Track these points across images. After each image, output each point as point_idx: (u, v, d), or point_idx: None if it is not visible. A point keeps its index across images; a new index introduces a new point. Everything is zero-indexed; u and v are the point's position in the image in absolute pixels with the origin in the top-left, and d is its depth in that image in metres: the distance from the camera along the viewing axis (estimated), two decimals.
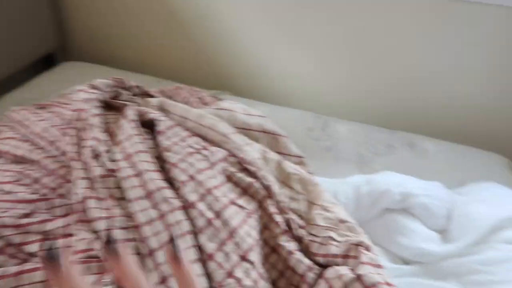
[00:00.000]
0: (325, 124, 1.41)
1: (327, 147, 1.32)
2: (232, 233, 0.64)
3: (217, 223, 0.64)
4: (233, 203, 0.70)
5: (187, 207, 0.64)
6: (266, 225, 0.72)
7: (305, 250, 0.70)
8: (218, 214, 0.65)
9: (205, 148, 0.74)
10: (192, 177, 0.67)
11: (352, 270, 0.62)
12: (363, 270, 0.60)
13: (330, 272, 0.63)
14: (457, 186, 1.17)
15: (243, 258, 0.63)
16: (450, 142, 1.39)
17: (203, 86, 1.36)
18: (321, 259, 0.67)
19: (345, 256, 0.65)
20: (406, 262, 0.99)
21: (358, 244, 0.66)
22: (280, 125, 1.14)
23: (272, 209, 0.72)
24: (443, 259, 0.96)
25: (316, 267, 0.66)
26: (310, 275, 0.64)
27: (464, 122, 1.50)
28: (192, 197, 0.65)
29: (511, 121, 1.45)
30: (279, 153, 0.91)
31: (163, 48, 1.73)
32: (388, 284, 0.59)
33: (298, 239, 0.72)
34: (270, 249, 0.70)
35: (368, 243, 0.67)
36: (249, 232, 0.67)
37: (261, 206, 0.73)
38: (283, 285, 0.67)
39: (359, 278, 0.59)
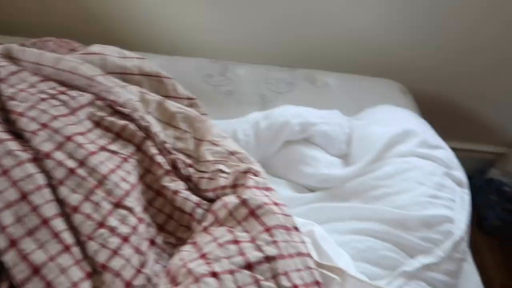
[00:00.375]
0: (224, 69, 1.34)
1: (228, 91, 1.27)
2: (101, 181, 0.57)
3: (81, 172, 0.56)
4: (103, 148, 0.62)
5: (39, 158, 0.55)
6: (147, 169, 0.65)
7: (195, 188, 0.65)
8: (82, 162, 0.57)
9: (63, 93, 0.64)
10: (45, 125, 0.58)
11: (238, 197, 0.58)
12: (248, 194, 0.57)
13: (216, 204, 0.59)
14: (356, 114, 1.20)
15: (118, 205, 0.56)
16: (348, 74, 1.41)
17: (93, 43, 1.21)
18: (211, 194, 0.63)
19: (234, 186, 0.62)
20: (311, 190, 0.99)
21: (246, 171, 0.62)
22: (177, 75, 1.06)
23: (153, 150, 0.65)
24: (346, 182, 0.98)
25: (205, 202, 0.62)
26: (199, 211, 0.60)
27: (360, 54, 1.53)
28: (46, 147, 0.56)
29: (402, 49, 1.50)
30: (167, 96, 0.83)
31: (44, 4, 1.51)
32: (276, 203, 0.57)
33: (187, 178, 0.66)
34: (155, 192, 0.64)
35: (258, 169, 0.64)
36: (124, 177, 0.60)
37: (140, 149, 0.66)
38: (172, 227, 0.63)
39: (243, 202, 0.55)
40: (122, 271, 0.51)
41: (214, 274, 0.47)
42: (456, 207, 0.92)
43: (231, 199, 0.58)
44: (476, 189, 1.75)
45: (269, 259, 0.50)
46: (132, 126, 0.66)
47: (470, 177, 1.01)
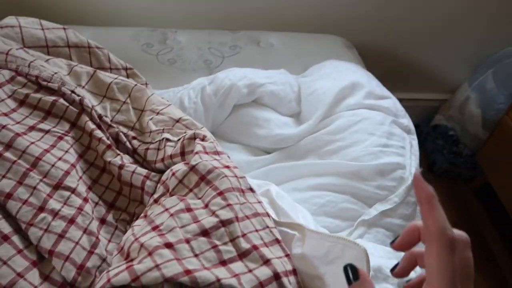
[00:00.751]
0: (164, 36, 1.27)
1: (171, 60, 1.21)
2: (35, 163, 0.52)
3: (9, 155, 0.50)
4: (33, 128, 0.56)
5: None
6: (87, 145, 0.60)
7: (143, 161, 0.61)
8: (9, 145, 0.51)
9: None
10: None
11: (187, 163, 0.55)
12: (196, 159, 0.54)
13: (165, 174, 0.55)
14: (303, 71, 1.18)
15: (57, 187, 0.52)
16: (292, 32, 1.39)
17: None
18: (159, 165, 0.59)
19: (182, 154, 0.58)
20: (267, 152, 0.98)
21: (193, 138, 0.59)
22: (113, 47, 0.98)
23: (91, 125, 0.60)
24: (300, 140, 0.97)
25: (155, 174, 0.58)
26: (149, 184, 0.56)
27: (301, 11, 1.50)
28: None
29: (343, 3, 1.49)
30: (100, 68, 0.76)
31: None
32: (226, 166, 0.54)
33: (133, 151, 0.62)
34: (99, 170, 0.60)
35: (205, 133, 0.60)
36: (61, 156, 0.55)
37: (75, 125, 0.60)
38: (123, 204, 0.59)
39: (192, 168, 0.52)
40: (72, 255, 0.47)
41: (169, 245, 0.45)
42: (406, 154, 0.94)
43: (179, 167, 0.55)
44: (424, 135, 1.83)
45: (224, 223, 0.48)
46: (62, 101, 0.60)
47: (417, 125, 1.04)
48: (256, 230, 0.50)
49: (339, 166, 0.88)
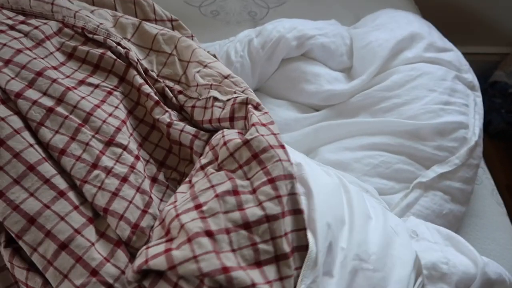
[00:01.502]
0: None
1: (214, 11, 1.15)
2: (87, 118, 0.50)
3: (61, 110, 0.49)
4: (83, 82, 0.54)
5: (9, 99, 0.47)
6: (136, 101, 0.58)
7: (190, 118, 0.59)
8: (60, 100, 0.50)
9: (23, 22, 0.55)
10: (8, 61, 0.49)
11: (240, 133, 0.51)
12: (252, 133, 0.49)
13: (216, 138, 0.52)
14: (355, 23, 1.10)
15: (109, 143, 0.50)
16: None
17: None
18: (207, 125, 0.56)
19: (231, 119, 0.54)
20: (316, 109, 0.93)
21: (245, 103, 0.55)
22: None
23: (139, 80, 0.58)
24: (352, 96, 0.91)
25: (204, 132, 0.56)
26: (198, 144, 0.54)
27: None
28: (15, 85, 0.48)
29: None
30: (146, 20, 0.73)
31: None
32: (282, 146, 0.49)
33: (179, 108, 0.59)
34: (149, 126, 0.58)
35: (257, 100, 0.56)
36: (111, 112, 0.53)
37: (124, 79, 0.58)
38: (173, 162, 0.57)
39: (246, 143, 0.48)
40: (126, 214, 0.46)
41: (210, 233, 0.41)
42: (469, 112, 0.87)
43: (232, 136, 0.51)
44: (481, 93, 1.71)
45: (269, 218, 0.43)
46: (110, 54, 0.57)
47: None
48: (292, 231, 0.46)
49: (394, 125, 0.82)
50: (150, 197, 0.49)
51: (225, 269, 0.38)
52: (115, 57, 0.58)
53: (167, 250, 0.40)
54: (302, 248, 0.46)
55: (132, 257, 0.46)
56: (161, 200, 0.52)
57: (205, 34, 1.03)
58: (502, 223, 0.84)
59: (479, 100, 0.91)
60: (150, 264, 0.39)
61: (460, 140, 0.81)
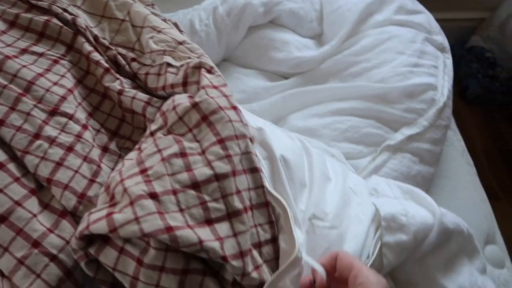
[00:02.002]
0: None
1: None
2: (28, 87, 0.48)
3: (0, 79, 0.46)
4: (25, 51, 0.52)
5: None
6: (87, 69, 0.55)
7: (144, 86, 0.57)
8: None
9: None
10: None
11: (191, 97, 0.49)
12: (202, 95, 0.48)
13: (166, 104, 0.50)
14: None
15: (54, 113, 0.48)
16: None
17: None
18: (161, 92, 0.54)
19: (184, 84, 0.52)
20: (285, 76, 0.91)
21: (198, 67, 0.53)
22: None
23: (88, 47, 0.55)
24: (321, 63, 0.89)
25: (157, 99, 0.54)
26: (150, 110, 0.52)
27: None
28: None
29: None
30: None
31: None
32: (234, 107, 0.48)
33: (133, 75, 0.57)
34: (100, 96, 0.55)
35: (211, 64, 0.54)
36: (57, 81, 0.51)
37: (72, 47, 0.55)
38: (127, 131, 0.55)
39: (195, 106, 0.47)
40: (71, 183, 0.45)
41: (154, 195, 0.40)
42: (439, 74, 0.86)
43: (181, 100, 0.49)
44: (458, 59, 1.69)
45: (219, 177, 0.42)
46: (56, 21, 0.54)
47: (450, 47, 0.93)
48: (249, 189, 0.45)
49: (363, 89, 0.81)
50: (99, 166, 0.47)
51: (169, 229, 0.37)
52: (61, 24, 0.55)
53: (109, 214, 0.39)
54: (262, 205, 0.46)
55: None
56: (112, 169, 0.51)
57: (166, 3, 0.99)
58: (472, 182, 0.85)
59: (449, 62, 0.90)
60: (91, 228, 0.38)
61: (428, 102, 0.80)
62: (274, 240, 0.45)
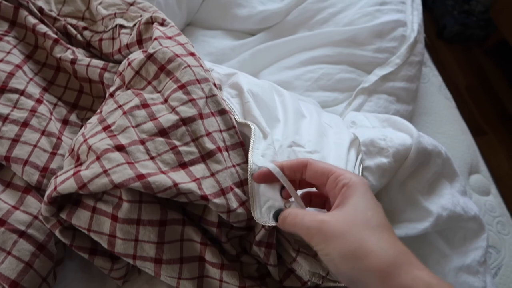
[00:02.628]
0: None
1: None
2: None
3: None
4: None
5: None
6: (35, 44, 0.53)
7: (99, 54, 0.54)
8: None
9: None
10: None
11: (144, 51, 0.47)
12: (155, 46, 0.46)
13: (122, 64, 0.49)
14: None
15: (2, 90, 0.46)
16: None
17: None
18: (117, 56, 0.52)
19: (139, 42, 0.50)
20: (252, 33, 0.88)
21: (150, 22, 0.50)
22: None
23: (32, 20, 0.52)
24: (287, 15, 0.87)
25: (113, 64, 0.52)
26: (107, 76, 0.50)
27: None
28: None
29: None
30: None
31: None
32: (191, 54, 0.46)
33: (87, 45, 0.55)
34: (53, 69, 0.53)
35: (163, 16, 0.52)
36: (2, 58, 0.48)
37: (15, 22, 0.53)
38: (88, 102, 0.53)
39: (150, 57, 0.45)
40: (31, 158, 0.43)
41: (120, 147, 0.39)
42: (407, 9, 0.84)
43: (136, 56, 0.47)
44: None
45: (185, 121, 0.42)
46: None
47: None
48: (221, 130, 0.44)
49: (331, 35, 0.79)
50: (59, 138, 0.46)
51: (140, 176, 0.36)
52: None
53: (76, 172, 0.38)
54: (237, 145, 0.46)
55: None
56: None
57: None
58: (452, 115, 0.84)
59: None
60: (59, 189, 0.37)
61: (399, 39, 0.79)
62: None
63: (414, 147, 0.51)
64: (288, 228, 0.38)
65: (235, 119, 0.47)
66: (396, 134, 0.54)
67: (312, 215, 0.35)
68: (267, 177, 0.41)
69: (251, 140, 0.44)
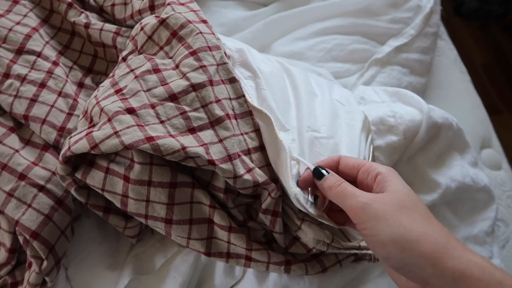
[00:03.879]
0: None
1: None
2: None
3: None
4: None
5: None
6: (50, 8, 0.54)
7: (112, 19, 0.55)
8: None
9: None
10: None
11: (157, 16, 0.48)
12: (168, 11, 0.46)
13: (134, 28, 0.49)
14: None
15: (20, 51, 0.47)
16: None
17: None
18: (130, 22, 0.53)
19: (152, 8, 0.51)
20: (265, 4, 0.88)
21: None
22: None
23: None
24: None
25: (126, 29, 0.53)
26: (120, 40, 0.51)
27: None
28: None
29: None
30: None
31: None
32: (204, 21, 0.47)
33: (100, 10, 0.55)
34: (68, 33, 0.54)
35: None
36: (19, 20, 0.49)
37: None
38: (102, 67, 0.54)
39: (162, 22, 0.45)
40: (49, 117, 0.44)
41: (131, 110, 0.40)
42: None
43: (148, 20, 0.48)
44: None
45: (195, 87, 0.42)
46: None
47: None
48: (230, 99, 0.45)
49: (345, 5, 0.78)
50: (75, 99, 0.47)
51: (150, 139, 0.38)
52: None
53: (88, 133, 0.39)
54: (245, 114, 0.46)
55: None
56: None
57: None
58: (466, 90, 0.83)
59: None
60: (72, 149, 0.38)
61: (414, 9, 0.77)
62: (262, 148, 0.46)
63: (424, 123, 0.50)
64: (334, 195, 0.37)
65: (250, 102, 0.47)
66: (405, 109, 0.53)
67: (363, 192, 0.35)
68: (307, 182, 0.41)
69: (286, 167, 0.43)
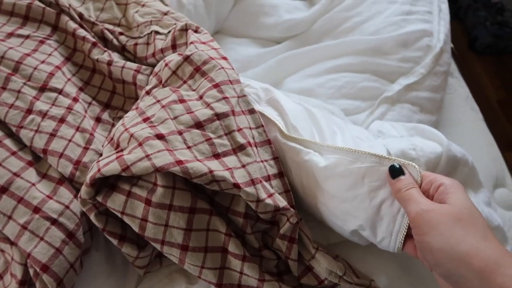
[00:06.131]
0: None
1: None
2: (16, 67, 0.50)
3: None
4: (12, 35, 0.53)
5: None
6: (74, 47, 0.57)
7: (134, 58, 0.58)
8: None
9: None
10: None
11: (181, 54, 0.51)
12: (191, 49, 0.50)
13: (158, 65, 0.52)
14: None
15: (43, 89, 0.50)
16: None
17: None
18: (151, 60, 0.56)
19: (174, 47, 0.54)
20: (278, 42, 0.91)
21: (185, 29, 0.54)
22: None
23: (72, 25, 0.57)
24: (313, 23, 0.89)
25: (146, 67, 0.55)
26: (141, 78, 0.54)
27: None
28: None
29: None
30: None
31: None
32: (224, 58, 0.50)
33: (121, 49, 0.58)
34: (89, 71, 0.57)
35: (197, 24, 0.55)
36: (44, 59, 0.52)
37: (57, 27, 0.57)
38: (119, 102, 0.57)
39: (186, 59, 0.48)
40: (66, 151, 0.47)
41: (160, 136, 0.42)
42: (433, 19, 0.84)
43: (172, 57, 0.51)
44: (464, 9, 1.64)
45: (219, 116, 0.45)
46: (38, 3, 0.56)
47: None
48: (250, 128, 0.47)
49: (356, 43, 0.80)
50: (91, 134, 0.49)
51: (179, 162, 0.40)
52: (43, 5, 0.56)
53: (119, 157, 0.41)
54: (264, 143, 0.49)
55: (77, 192, 0.47)
56: (106, 137, 0.52)
57: None
58: (478, 127, 0.83)
59: (445, 6, 0.87)
60: (103, 171, 0.40)
61: (424, 49, 0.79)
62: (281, 175, 0.47)
63: (444, 155, 0.51)
64: (400, 198, 0.39)
65: (284, 132, 0.49)
66: (425, 142, 0.54)
67: (427, 200, 0.37)
68: None
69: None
